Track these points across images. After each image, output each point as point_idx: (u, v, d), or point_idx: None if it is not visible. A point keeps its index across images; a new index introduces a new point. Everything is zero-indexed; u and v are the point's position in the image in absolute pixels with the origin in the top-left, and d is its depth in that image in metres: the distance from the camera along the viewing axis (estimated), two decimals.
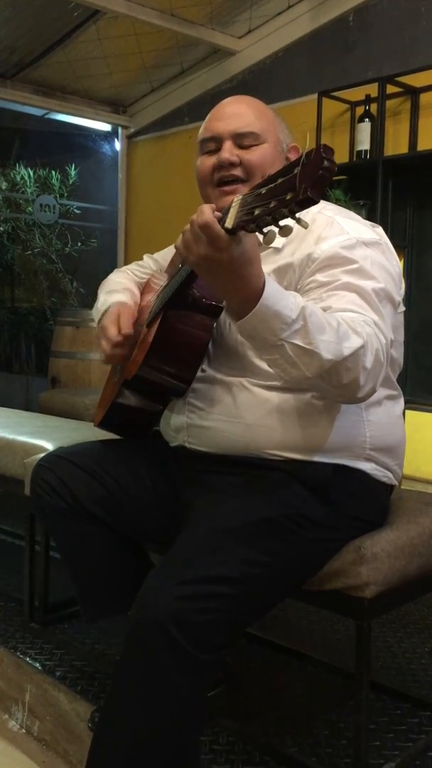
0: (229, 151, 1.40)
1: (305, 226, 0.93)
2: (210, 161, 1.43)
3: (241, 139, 1.40)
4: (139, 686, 1.13)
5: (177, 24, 4.09)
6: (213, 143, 1.43)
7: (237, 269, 1.04)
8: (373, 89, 3.54)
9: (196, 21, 4.14)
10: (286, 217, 0.91)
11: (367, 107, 3.61)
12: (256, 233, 0.98)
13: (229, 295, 1.09)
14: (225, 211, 1.02)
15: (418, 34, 3.59)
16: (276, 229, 0.94)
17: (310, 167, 0.88)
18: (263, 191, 0.94)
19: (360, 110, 3.68)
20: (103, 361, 1.51)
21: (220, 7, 4.06)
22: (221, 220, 1.02)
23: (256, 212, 0.93)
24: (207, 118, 1.48)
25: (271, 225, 0.93)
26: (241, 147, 1.41)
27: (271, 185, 0.93)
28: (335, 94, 3.75)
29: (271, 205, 0.91)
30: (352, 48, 3.87)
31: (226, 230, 1.00)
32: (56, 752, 1.69)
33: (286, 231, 0.94)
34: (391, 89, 3.52)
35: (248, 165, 1.40)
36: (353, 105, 3.79)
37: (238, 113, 1.43)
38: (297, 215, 0.91)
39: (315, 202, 0.89)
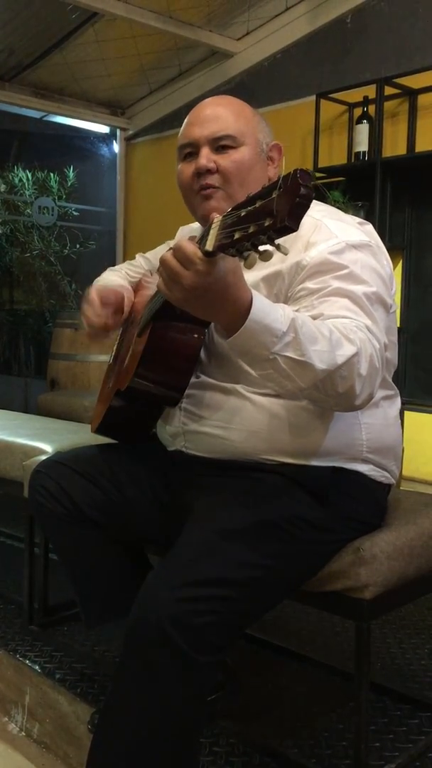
0: (206, 158, 1.38)
1: (285, 252, 0.92)
2: (189, 169, 1.41)
3: (218, 143, 1.38)
4: (138, 688, 1.13)
5: (175, 26, 4.09)
6: (190, 148, 1.41)
7: (221, 290, 1.02)
8: (371, 91, 3.55)
9: (194, 23, 4.15)
10: (265, 243, 0.90)
11: (365, 109, 3.62)
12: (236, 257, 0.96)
13: (217, 317, 1.08)
14: (204, 233, 1.00)
15: (416, 36, 3.59)
16: (256, 255, 0.93)
17: (287, 194, 0.87)
18: (242, 213, 0.92)
19: (358, 112, 3.69)
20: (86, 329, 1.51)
21: (218, 9, 4.07)
22: (201, 243, 1.00)
23: (236, 236, 0.91)
24: (185, 121, 1.45)
25: (250, 250, 0.92)
26: (219, 150, 1.38)
27: (250, 207, 0.91)
28: (333, 95, 3.75)
29: (250, 231, 0.89)
30: (350, 50, 3.88)
31: (206, 253, 0.98)
32: (56, 755, 1.69)
33: (266, 256, 0.92)
34: (389, 91, 3.53)
35: (225, 172, 1.37)
36: (351, 106, 3.79)
37: (214, 116, 1.40)
38: (276, 242, 0.90)
39: (294, 230, 0.87)
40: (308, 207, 0.87)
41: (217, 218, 0.98)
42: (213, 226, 0.98)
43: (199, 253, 0.99)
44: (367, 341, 1.16)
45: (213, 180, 1.38)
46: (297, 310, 1.21)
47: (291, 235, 1.29)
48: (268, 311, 1.06)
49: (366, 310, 1.22)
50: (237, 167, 1.37)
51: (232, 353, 1.12)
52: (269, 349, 1.07)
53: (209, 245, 0.97)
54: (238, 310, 1.04)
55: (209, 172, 1.37)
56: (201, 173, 1.37)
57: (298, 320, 1.09)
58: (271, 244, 0.90)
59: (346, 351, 1.11)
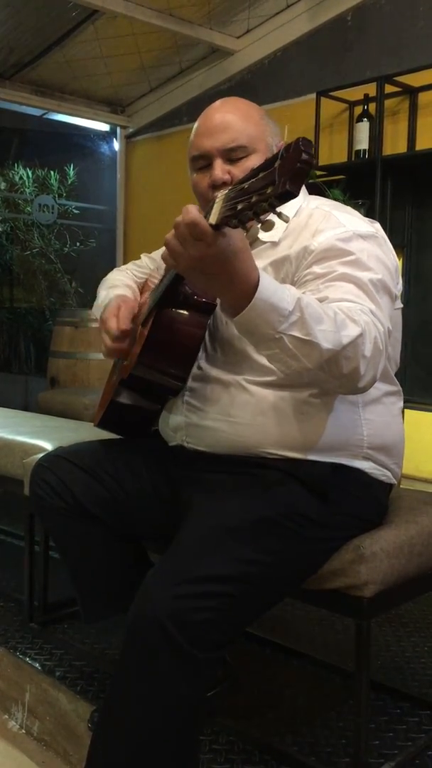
0: (220, 169, 1.39)
1: (286, 220, 0.93)
2: (205, 181, 1.42)
3: (230, 154, 1.39)
4: (138, 685, 1.13)
5: (175, 24, 4.09)
6: (203, 161, 1.42)
7: (227, 264, 1.03)
8: (371, 89, 3.54)
9: (195, 21, 4.14)
10: (267, 211, 0.92)
11: (366, 107, 3.61)
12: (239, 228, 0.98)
13: (224, 292, 1.09)
14: (209, 208, 1.02)
15: (417, 34, 3.59)
16: (258, 225, 0.94)
17: (288, 161, 0.89)
18: (245, 186, 0.94)
19: (358, 110, 3.69)
20: (104, 355, 1.50)
21: (218, 7, 4.06)
22: (205, 217, 1.02)
23: (239, 207, 0.94)
24: (194, 130, 1.46)
25: (253, 219, 0.94)
26: (231, 160, 1.40)
27: (252, 179, 0.94)
28: (334, 93, 3.75)
29: (253, 200, 0.92)
30: (350, 47, 3.87)
31: (211, 226, 1.00)
32: (56, 752, 1.69)
33: (267, 225, 0.94)
34: (389, 89, 3.52)
35: None
36: (352, 105, 3.79)
37: (224, 126, 1.40)
38: (278, 209, 0.92)
39: (294, 195, 0.89)
40: (308, 172, 0.89)
41: (220, 193, 1.00)
42: (217, 200, 1.00)
43: (208, 225, 1.00)
44: (371, 324, 1.16)
45: None
46: (303, 293, 1.22)
47: (300, 225, 1.29)
48: (274, 290, 1.07)
49: (371, 295, 1.23)
50: None
51: (239, 331, 1.12)
52: (275, 328, 1.08)
53: (213, 219, 0.99)
54: (245, 288, 1.05)
55: (225, 184, 1.38)
56: (216, 185, 1.38)
57: (303, 300, 1.10)
58: (272, 211, 0.92)
59: (351, 332, 1.12)
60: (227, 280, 1.05)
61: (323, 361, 1.11)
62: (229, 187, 0.99)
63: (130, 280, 1.69)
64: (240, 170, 1.37)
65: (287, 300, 1.08)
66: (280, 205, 0.90)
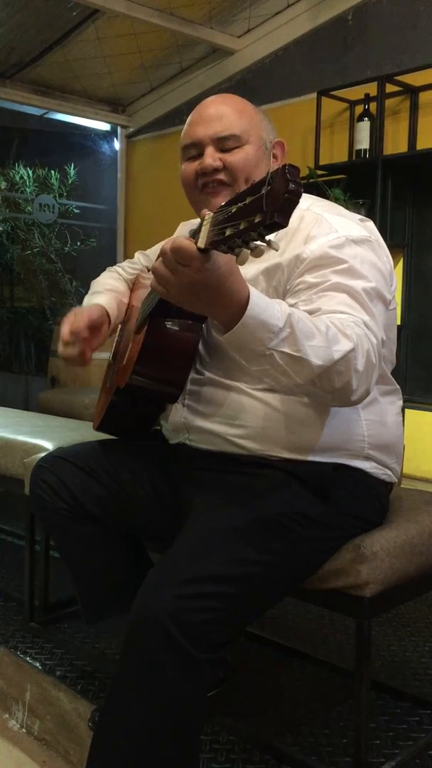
0: (211, 157, 1.38)
1: (276, 248, 0.92)
2: (193, 167, 1.42)
3: (223, 143, 1.39)
4: (138, 685, 1.13)
5: (176, 23, 4.09)
6: (195, 149, 1.42)
7: (217, 287, 1.02)
8: (372, 88, 3.54)
9: (195, 20, 4.14)
10: (256, 240, 0.90)
11: (366, 106, 3.61)
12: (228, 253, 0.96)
13: (214, 313, 1.07)
14: (196, 231, 1.01)
15: (417, 33, 3.59)
16: (248, 251, 0.93)
17: (275, 190, 0.87)
18: (233, 210, 0.92)
19: (359, 109, 3.68)
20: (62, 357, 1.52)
21: (219, 7, 4.06)
22: (195, 239, 1.00)
23: (227, 233, 0.91)
24: (188, 121, 1.45)
25: (241, 247, 0.92)
26: (223, 150, 1.39)
27: (240, 204, 0.91)
28: (334, 93, 3.75)
29: (241, 227, 0.89)
30: (351, 47, 3.87)
31: (199, 249, 0.98)
32: (57, 752, 1.69)
33: (257, 253, 0.92)
34: (390, 88, 3.52)
35: (231, 168, 1.38)
36: (352, 104, 3.79)
37: (217, 115, 1.40)
38: (267, 238, 0.90)
39: (283, 226, 0.87)
40: (297, 203, 0.87)
41: (208, 215, 0.98)
42: (204, 222, 0.98)
43: (195, 250, 0.98)
44: (364, 337, 1.15)
45: (221, 176, 1.39)
46: (295, 304, 1.21)
47: (292, 228, 1.28)
48: (264, 307, 1.06)
49: (365, 305, 1.22)
50: (243, 163, 1.38)
51: (229, 348, 1.12)
52: (265, 345, 1.07)
53: (201, 242, 0.97)
54: (235, 306, 1.04)
55: (216, 170, 1.38)
56: (206, 172, 1.38)
57: (294, 316, 1.09)
58: (261, 241, 0.90)
59: (342, 347, 1.11)
60: (217, 302, 1.04)
61: (314, 377, 1.11)
62: (216, 210, 0.96)
63: (118, 280, 1.69)
64: (233, 159, 1.37)
65: (277, 316, 1.07)
66: (269, 234, 0.88)
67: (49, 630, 2.00)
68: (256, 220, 0.88)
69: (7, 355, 5.80)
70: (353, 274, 1.24)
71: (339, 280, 1.22)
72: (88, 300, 1.62)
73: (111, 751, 1.16)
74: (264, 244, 0.91)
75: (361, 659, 1.34)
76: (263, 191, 0.88)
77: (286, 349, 1.08)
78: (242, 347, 1.09)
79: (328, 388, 1.13)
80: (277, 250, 0.93)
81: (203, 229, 0.98)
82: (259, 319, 1.05)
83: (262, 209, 0.87)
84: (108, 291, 1.63)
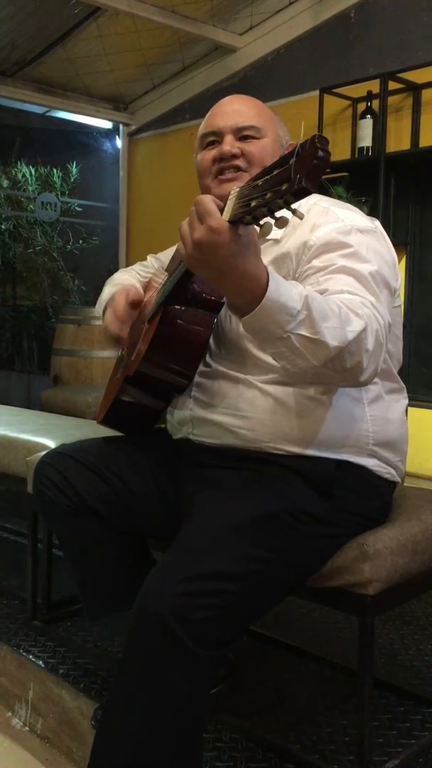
0: (230, 144, 1.42)
1: (301, 216, 0.93)
2: (210, 154, 1.45)
3: (242, 133, 1.43)
4: (141, 683, 1.13)
5: (178, 21, 4.08)
6: (214, 137, 1.46)
7: (239, 260, 1.03)
8: (374, 85, 3.53)
9: (198, 18, 4.14)
10: (282, 207, 0.91)
11: (369, 103, 3.60)
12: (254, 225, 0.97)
13: (234, 291, 1.08)
14: (222, 206, 1.02)
15: (420, 30, 3.58)
16: (272, 221, 0.94)
17: (304, 157, 0.88)
18: (260, 183, 0.94)
19: (362, 106, 3.68)
20: (107, 341, 1.53)
21: (221, 4, 4.05)
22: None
23: (253, 204, 0.93)
24: (207, 115, 1.50)
25: (267, 216, 0.93)
26: (242, 140, 1.43)
27: (267, 176, 0.93)
28: (337, 90, 3.74)
29: (267, 197, 0.91)
30: (353, 44, 3.86)
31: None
32: (59, 750, 1.69)
33: (281, 222, 0.94)
34: (392, 85, 3.51)
35: (249, 155, 1.42)
36: (355, 101, 3.78)
37: (238, 110, 1.46)
38: (292, 206, 0.91)
39: (310, 192, 0.89)
40: (325, 169, 0.89)
41: (234, 190, 1.01)
42: (230, 197, 1.00)
43: (214, 207, 1.00)
44: (372, 317, 1.16)
45: (238, 162, 1.42)
46: (307, 289, 1.22)
47: (298, 221, 1.29)
48: (283, 289, 1.07)
49: (370, 288, 1.23)
50: (261, 152, 1.42)
51: (246, 331, 1.12)
52: (283, 328, 1.07)
53: (226, 215, 0.99)
54: (255, 287, 1.05)
55: (234, 156, 1.41)
56: (224, 158, 1.42)
57: (309, 297, 1.09)
58: (287, 208, 0.91)
59: (355, 326, 1.12)
60: (238, 278, 1.04)
61: (329, 358, 1.11)
62: (242, 185, 0.99)
63: (135, 279, 1.69)
64: (251, 146, 1.41)
65: (295, 299, 1.07)
66: (296, 201, 0.90)
67: (51, 628, 2.00)
68: (284, 188, 0.89)
69: (10, 353, 5.80)
70: (359, 258, 1.26)
71: (345, 263, 1.24)
72: (109, 291, 1.63)
73: (114, 749, 1.15)
74: (289, 212, 0.92)
75: (364, 657, 1.34)
76: (291, 162, 0.89)
77: (304, 332, 1.08)
78: (260, 330, 1.09)
79: (340, 368, 1.14)
80: (301, 219, 0.94)
81: (229, 202, 1.00)
82: (278, 302, 1.06)
83: (289, 177, 0.89)
84: (130, 286, 1.64)
